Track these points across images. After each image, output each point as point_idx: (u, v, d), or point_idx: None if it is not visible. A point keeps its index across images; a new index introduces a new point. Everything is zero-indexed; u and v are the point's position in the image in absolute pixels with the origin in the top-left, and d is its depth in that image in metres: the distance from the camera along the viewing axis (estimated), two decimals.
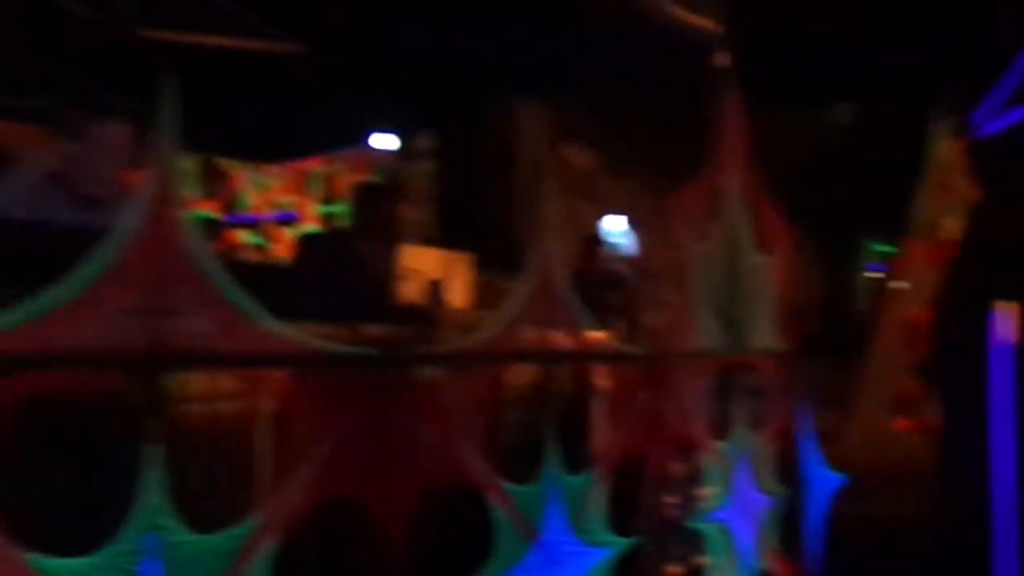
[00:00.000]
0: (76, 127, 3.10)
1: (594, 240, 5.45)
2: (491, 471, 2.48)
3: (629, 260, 7.42)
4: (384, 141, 4.64)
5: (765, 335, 3.64)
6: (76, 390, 1.81)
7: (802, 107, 7.15)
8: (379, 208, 4.09)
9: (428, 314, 2.71)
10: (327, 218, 11.11)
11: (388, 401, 2.23)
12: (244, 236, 9.58)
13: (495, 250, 3.59)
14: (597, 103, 4.32)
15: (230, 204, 9.71)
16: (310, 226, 10.29)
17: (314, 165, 10.12)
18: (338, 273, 3.45)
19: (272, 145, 5.74)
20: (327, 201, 11.41)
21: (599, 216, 7.79)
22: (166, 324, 1.84)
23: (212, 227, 7.85)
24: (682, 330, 3.19)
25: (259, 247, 9.46)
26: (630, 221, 8.77)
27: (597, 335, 3.02)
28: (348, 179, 11.69)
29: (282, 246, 9.53)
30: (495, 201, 3.69)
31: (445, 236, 3.99)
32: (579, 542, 2.72)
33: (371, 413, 2.19)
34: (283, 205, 10.10)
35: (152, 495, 1.78)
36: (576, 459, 2.83)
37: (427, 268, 2.97)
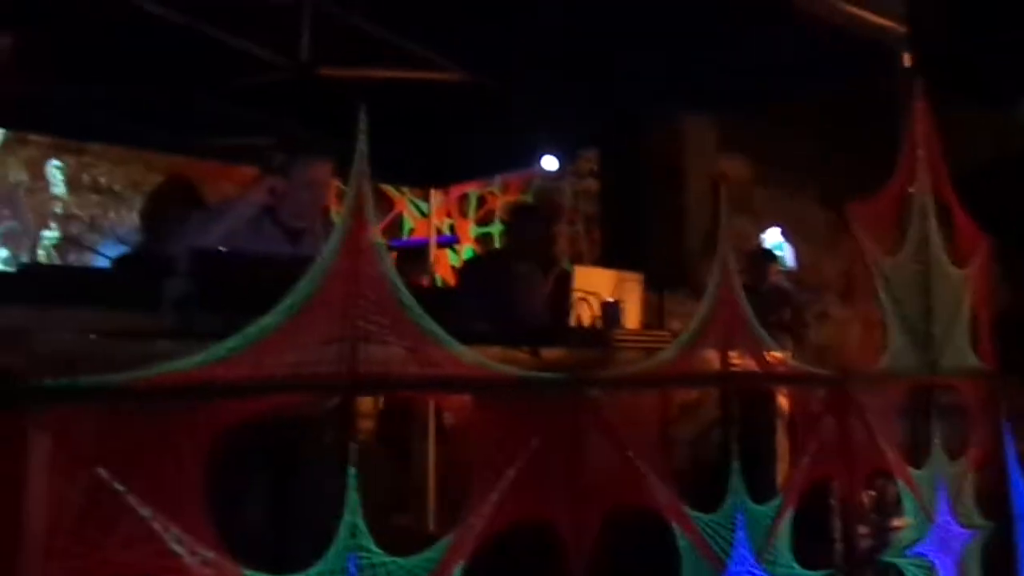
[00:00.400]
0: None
1: (762, 255, 5.25)
2: (675, 497, 2.41)
3: (789, 274, 7.12)
4: (546, 162, 4.67)
5: (962, 353, 3.37)
6: (277, 414, 1.89)
7: (985, 104, 6.64)
8: (533, 229, 4.11)
9: (605, 336, 2.68)
10: (483, 240, 11.33)
11: (573, 424, 2.20)
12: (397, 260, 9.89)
13: (663, 268, 3.52)
14: (758, 111, 4.18)
15: (393, 229, 10.10)
16: (467, 246, 10.54)
17: (470, 187, 10.36)
18: (498, 295, 3.49)
19: (434, 171, 5.89)
20: (482, 223, 11.65)
21: (759, 229, 7.52)
22: (362, 349, 1.89)
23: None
24: (871, 348, 3.00)
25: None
26: (787, 233, 8.42)
27: (779, 355, 2.88)
28: (502, 200, 11.92)
29: (443, 268, 9.80)
30: (661, 218, 3.62)
31: (610, 255, 3.95)
32: (766, 573, 2.59)
33: (557, 436, 2.17)
34: (442, 228, 10.41)
35: (353, 517, 1.83)
36: (760, 486, 2.70)
37: (600, 289, 2.94)
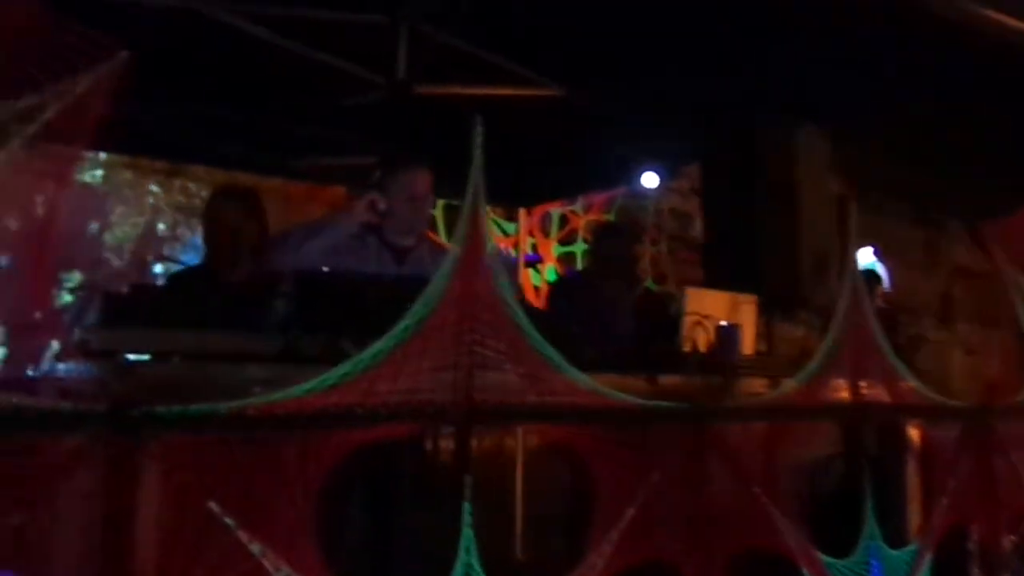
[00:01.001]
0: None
1: (866, 276, 4.97)
2: (806, 539, 2.21)
3: (886, 296, 6.76)
4: (647, 179, 4.53)
5: None
6: (386, 441, 1.79)
7: None
8: (617, 248, 3.98)
9: (724, 363, 2.51)
10: (565, 259, 11.20)
11: (698, 458, 2.04)
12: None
13: (773, 290, 3.32)
14: (858, 127, 3.95)
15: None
16: (549, 266, 10.43)
17: (552, 207, 10.26)
18: (591, 317, 3.35)
19: (527, 190, 5.80)
20: (565, 242, 11.53)
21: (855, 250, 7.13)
22: (477, 376, 1.78)
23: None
24: (1011, 380, 2.74)
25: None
26: (880, 253, 8.01)
27: (910, 386, 2.66)
28: (584, 219, 11.78)
29: (527, 287, 9.71)
30: (771, 237, 3.44)
31: (715, 276, 3.78)
32: None
33: (680, 470, 2.01)
34: (525, 248, 10.32)
35: (468, 556, 1.71)
36: (890, 527, 2.48)
37: (713, 311, 2.77)
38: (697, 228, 12.46)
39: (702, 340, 2.60)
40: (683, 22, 3.31)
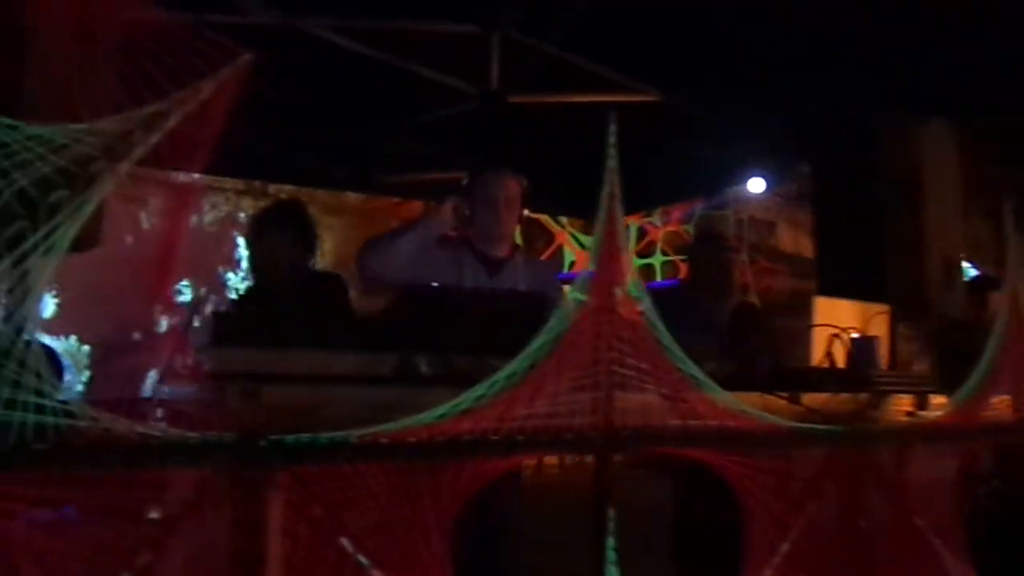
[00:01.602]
0: (465, 186, 3.10)
1: (981, 283, 4.64)
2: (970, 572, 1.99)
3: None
4: (753, 184, 4.33)
5: None
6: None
7: None
8: (714, 259, 3.80)
9: (864, 378, 2.30)
10: (644, 271, 11.00)
11: (855, 486, 1.84)
12: (568, 293, 9.73)
13: (899, 299, 3.08)
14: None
15: (555, 262, 9.97)
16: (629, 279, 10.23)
17: (630, 219, 10.09)
18: (701, 331, 3.16)
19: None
20: (643, 254, 11.33)
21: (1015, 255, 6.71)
22: (617, 397, 1.63)
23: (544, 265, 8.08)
24: None
25: (571, 296, 9.55)
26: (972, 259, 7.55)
27: None
28: (663, 231, 11.55)
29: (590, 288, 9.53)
30: (895, 242, 3.20)
31: (831, 284, 3.55)
32: None
33: (835, 500, 1.82)
34: None
35: None
36: None
37: (844, 323, 2.56)
38: (779, 237, 12.08)
39: (839, 354, 2.39)
40: (797, 17, 3.12)
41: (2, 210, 1.22)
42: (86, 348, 6.63)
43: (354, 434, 1.40)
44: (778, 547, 1.73)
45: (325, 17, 3.62)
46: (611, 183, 1.69)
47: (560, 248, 10.68)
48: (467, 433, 1.48)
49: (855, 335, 2.51)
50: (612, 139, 1.73)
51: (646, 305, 1.70)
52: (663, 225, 11.74)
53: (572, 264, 10.80)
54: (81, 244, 1.58)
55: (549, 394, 1.57)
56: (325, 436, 1.37)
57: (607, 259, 1.65)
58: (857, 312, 2.65)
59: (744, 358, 2.53)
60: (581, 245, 10.64)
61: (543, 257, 9.76)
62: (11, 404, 1.19)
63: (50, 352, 2.44)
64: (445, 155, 4.95)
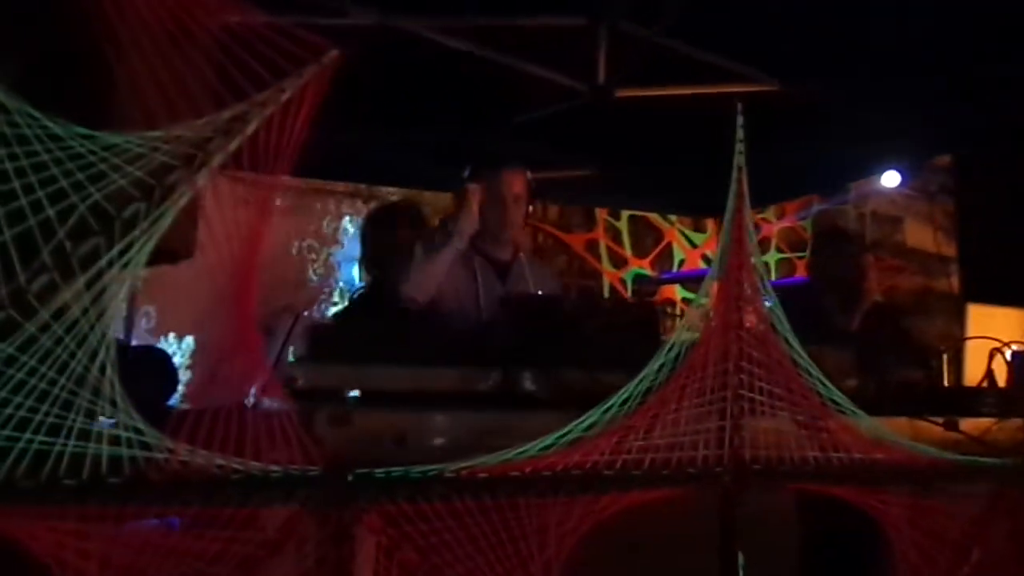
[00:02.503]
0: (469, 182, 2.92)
1: None
2: None
3: None
4: (887, 178, 4.00)
5: None
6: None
7: None
8: (843, 260, 3.51)
9: None
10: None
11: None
12: (678, 292, 9.47)
13: None
14: None
15: (663, 261, 9.67)
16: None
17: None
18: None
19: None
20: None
21: None
22: (747, 424, 1.43)
23: (648, 284, 7.80)
24: None
25: (692, 303, 9.24)
26: None
27: None
28: (777, 227, 11.05)
29: (714, 300, 9.18)
30: None
31: (975, 288, 3.22)
32: None
33: (1004, 545, 1.56)
34: (712, 259, 9.80)
35: None
36: None
37: (1002, 334, 2.26)
38: (905, 232, 11.41)
39: (1000, 371, 2.11)
40: None
41: (76, 226, 1.13)
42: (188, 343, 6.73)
43: (450, 467, 1.26)
44: None
45: (424, 16, 3.52)
46: (739, 183, 1.49)
47: (669, 246, 10.38)
48: (577, 467, 1.32)
49: (1017, 348, 2.21)
50: (740, 134, 1.52)
51: (776, 316, 1.49)
52: (778, 220, 11.24)
53: (682, 263, 10.48)
54: (174, 255, 1.51)
55: (669, 422, 1.39)
56: (418, 470, 1.24)
57: (735, 269, 1.45)
58: (1019, 321, 2.35)
59: (884, 373, 2.27)
60: (692, 244, 10.30)
61: (651, 256, 9.51)
62: (85, 434, 1.10)
63: (162, 357, 2.41)
64: (551, 153, 4.80)
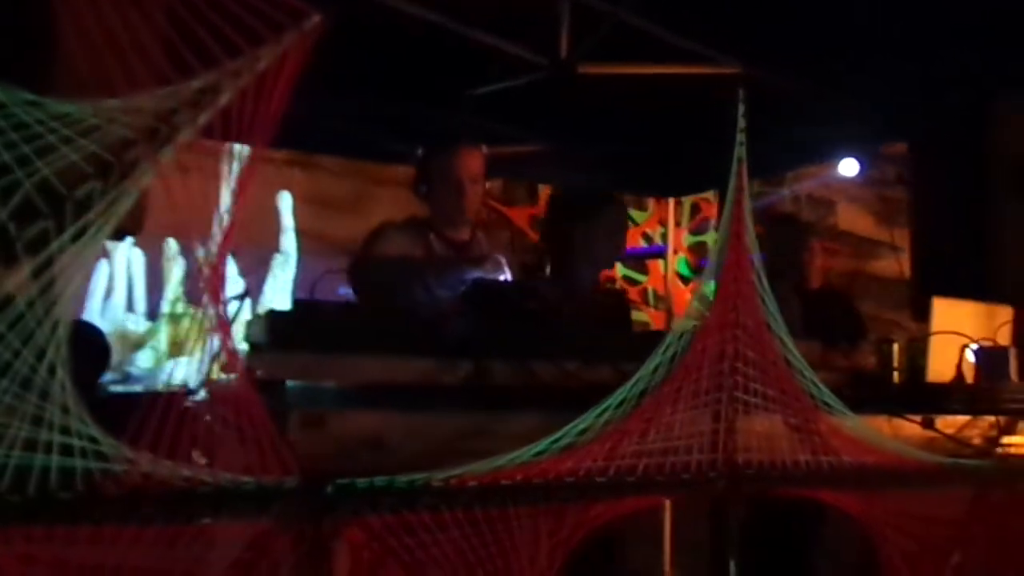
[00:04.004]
0: (423, 163, 2.88)
1: None
2: None
3: None
4: (845, 166, 4.02)
5: None
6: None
7: None
8: (793, 243, 3.51)
9: (997, 396, 2.02)
10: (696, 249, 10.66)
11: (1007, 530, 1.57)
12: (619, 270, 9.51)
13: (1011, 297, 2.75)
14: None
15: None
16: (680, 256, 9.90)
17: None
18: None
19: (681, 178, 5.35)
20: (696, 231, 10.96)
21: None
22: (741, 432, 1.37)
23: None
24: None
25: (632, 281, 9.30)
26: None
27: None
28: (718, 207, 11.15)
29: (655, 279, 9.26)
30: (1007, 232, 2.89)
31: (929, 280, 3.24)
32: None
33: (984, 546, 1.55)
34: (652, 237, 9.87)
35: None
36: None
37: (965, 328, 2.27)
38: (839, 215, 11.66)
39: (968, 366, 2.10)
40: None
41: (21, 206, 0.99)
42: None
43: (437, 476, 1.16)
44: None
45: None
46: (739, 176, 1.42)
47: None
48: (569, 474, 1.24)
49: (983, 344, 2.21)
50: (742, 123, 1.45)
51: (772, 315, 1.44)
52: (718, 201, 11.35)
53: None
54: (121, 231, 1.36)
55: (663, 426, 1.32)
56: (403, 479, 1.14)
57: (732, 265, 1.38)
58: (981, 315, 2.35)
59: (847, 363, 2.25)
60: (633, 222, 10.32)
61: None
62: (32, 445, 0.97)
63: (94, 333, 2.24)
64: (506, 128, 4.69)
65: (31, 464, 0.96)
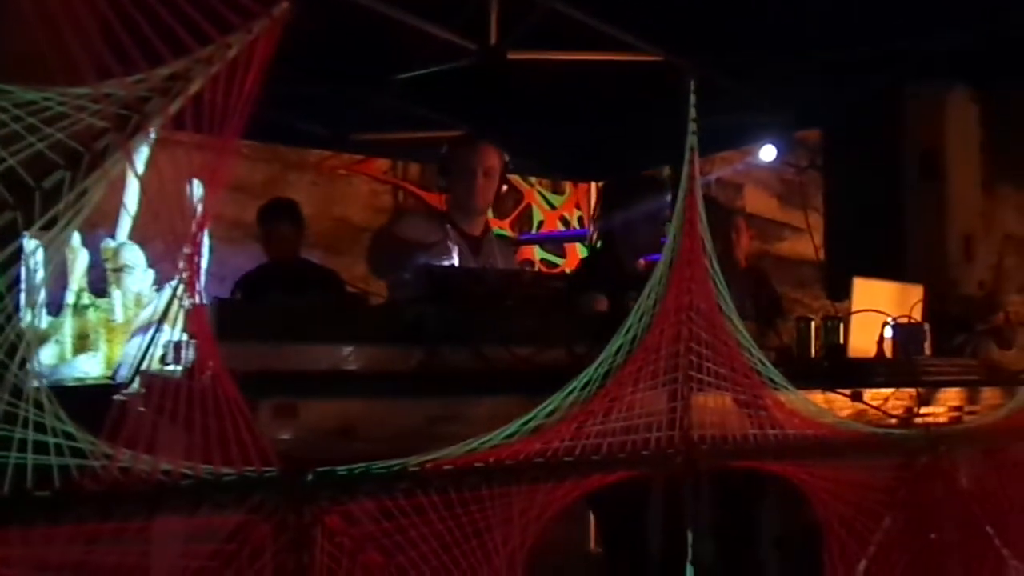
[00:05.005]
0: (444, 156, 2.97)
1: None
2: None
3: None
4: (764, 152, 4.15)
5: None
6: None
7: None
8: (717, 225, 3.62)
9: (915, 369, 2.15)
10: None
11: (933, 495, 1.69)
12: (536, 253, 9.60)
13: (918, 278, 2.92)
14: None
15: (523, 222, 9.75)
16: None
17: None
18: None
19: (604, 162, 5.44)
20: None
21: None
22: (696, 410, 1.43)
23: (507, 245, 7.86)
24: None
25: (551, 264, 9.42)
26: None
27: None
28: None
29: (572, 262, 9.40)
30: (914, 216, 3.05)
31: (839, 262, 3.40)
32: None
33: (912, 511, 1.66)
34: (570, 221, 10.01)
35: None
36: None
37: (881, 306, 2.40)
38: (746, 198, 12.05)
39: (887, 342, 2.23)
40: None
41: None
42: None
43: (413, 461, 1.18)
44: (857, 565, 1.57)
45: None
46: (691, 164, 1.47)
47: (529, 208, 10.46)
48: (538, 454, 1.27)
49: (900, 320, 2.35)
50: (693, 113, 1.50)
51: (722, 297, 1.50)
52: None
53: (540, 224, 10.60)
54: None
55: (625, 405, 1.37)
56: (381, 465, 1.16)
57: (687, 250, 1.44)
58: (895, 293, 2.49)
59: (776, 341, 2.35)
60: (551, 205, 10.43)
61: (511, 218, 9.56)
62: (5, 443, 0.95)
63: None
64: (432, 114, 4.68)
65: (5, 462, 0.94)
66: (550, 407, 1.29)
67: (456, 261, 2.71)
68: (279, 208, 4.07)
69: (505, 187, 3.09)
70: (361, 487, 1.14)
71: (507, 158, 3.01)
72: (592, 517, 2.63)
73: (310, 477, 1.11)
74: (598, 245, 3.11)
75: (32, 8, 1.17)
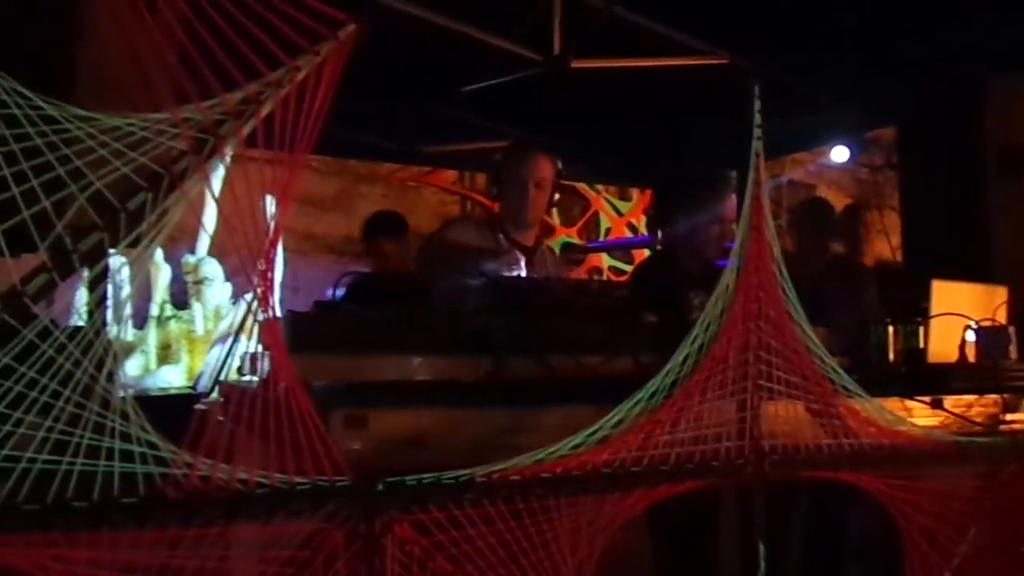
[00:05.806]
0: (499, 166, 2.92)
1: None
2: None
3: None
4: (836, 153, 4.06)
5: None
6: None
7: None
8: (825, 226, 3.45)
9: (1003, 374, 2.07)
10: None
11: (1013, 503, 1.63)
12: (604, 261, 9.56)
13: (1005, 279, 2.81)
14: None
15: (590, 229, 9.72)
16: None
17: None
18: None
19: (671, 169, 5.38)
20: None
21: None
22: (766, 419, 1.41)
23: (576, 253, 7.81)
24: None
25: (619, 271, 9.36)
26: None
27: None
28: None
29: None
30: (998, 215, 2.94)
31: (919, 264, 3.29)
32: None
33: (1002, 521, 1.60)
34: (637, 227, 9.93)
35: None
36: None
37: (961, 308, 2.32)
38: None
39: (969, 345, 2.16)
40: None
41: (75, 218, 1.01)
42: None
43: (480, 471, 1.19)
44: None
45: None
46: (757, 170, 1.45)
47: (596, 215, 10.44)
48: (606, 464, 1.27)
49: (983, 324, 2.27)
50: (758, 119, 1.49)
51: (792, 304, 1.48)
52: None
53: (608, 231, 10.56)
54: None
55: (693, 415, 1.36)
56: (450, 475, 1.17)
57: (754, 255, 1.42)
58: (979, 296, 2.40)
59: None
60: (618, 212, 10.37)
61: (578, 225, 9.55)
62: (94, 451, 0.99)
63: None
64: (498, 125, 4.72)
65: (95, 471, 0.99)
66: (617, 417, 1.29)
67: (524, 272, 2.71)
68: (378, 223, 3.99)
69: (558, 196, 3.05)
70: (430, 497, 1.15)
71: (560, 166, 2.98)
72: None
73: (380, 487, 1.13)
74: (657, 248, 3.05)
75: (114, 38, 1.23)
